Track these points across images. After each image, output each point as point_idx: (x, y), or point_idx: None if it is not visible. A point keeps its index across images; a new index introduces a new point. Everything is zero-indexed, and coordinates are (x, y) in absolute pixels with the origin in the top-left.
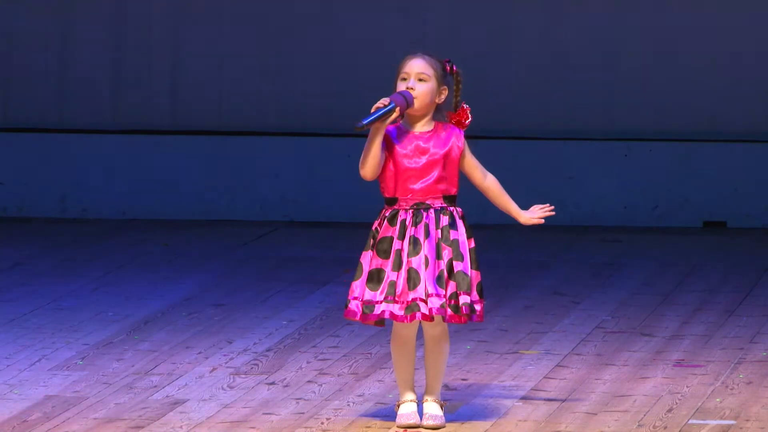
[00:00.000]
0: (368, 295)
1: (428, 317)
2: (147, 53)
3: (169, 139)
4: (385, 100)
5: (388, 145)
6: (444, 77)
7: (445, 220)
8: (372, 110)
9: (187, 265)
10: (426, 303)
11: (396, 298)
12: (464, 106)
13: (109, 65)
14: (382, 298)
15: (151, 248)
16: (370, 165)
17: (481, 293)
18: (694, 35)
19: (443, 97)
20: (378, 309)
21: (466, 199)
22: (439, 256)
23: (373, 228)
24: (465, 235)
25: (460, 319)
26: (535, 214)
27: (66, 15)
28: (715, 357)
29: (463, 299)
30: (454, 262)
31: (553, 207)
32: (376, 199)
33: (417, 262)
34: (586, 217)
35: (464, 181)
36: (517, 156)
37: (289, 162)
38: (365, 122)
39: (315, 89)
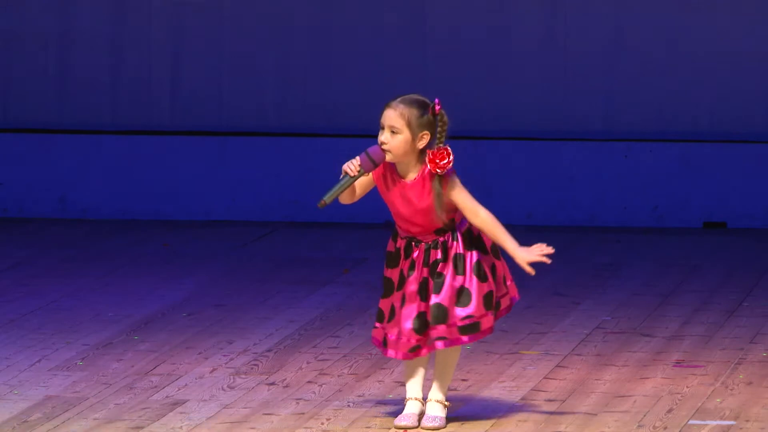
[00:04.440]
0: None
1: (395, 356)
2: (147, 53)
3: (169, 139)
4: (354, 162)
5: (380, 184)
6: (421, 123)
7: (437, 254)
8: (342, 173)
9: (187, 265)
10: (397, 341)
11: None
12: (441, 147)
13: (109, 65)
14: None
15: (151, 248)
16: (342, 200)
17: (488, 305)
18: (694, 35)
19: (424, 142)
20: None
21: None
22: (423, 298)
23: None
24: (465, 248)
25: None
26: (533, 253)
27: (66, 15)
28: (715, 357)
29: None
30: (458, 277)
31: (553, 251)
32: (375, 200)
33: (396, 298)
34: (586, 217)
35: (466, 183)
36: (518, 156)
37: (289, 162)
38: (326, 197)
39: (315, 89)
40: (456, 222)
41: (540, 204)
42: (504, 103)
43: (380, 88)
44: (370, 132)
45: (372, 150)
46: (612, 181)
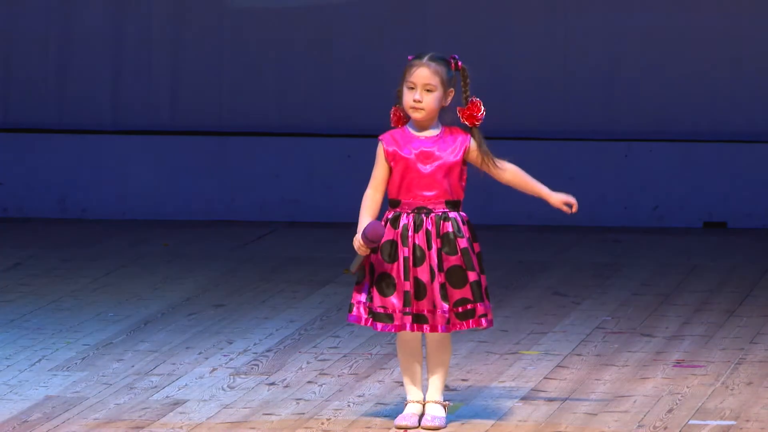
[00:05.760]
0: (379, 301)
1: (435, 330)
2: (147, 53)
3: (169, 139)
4: (359, 241)
5: (391, 158)
6: (449, 79)
7: (448, 226)
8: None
9: (187, 265)
10: (433, 315)
11: (411, 309)
12: (474, 99)
13: (109, 65)
14: (400, 306)
15: (151, 248)
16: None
17: (488, 297)
18: (693, 36)
19: (449, 99)
20: (397, 320)
21: (465, 199)
22: (441, 268)
23: None
24: (470, 240)
25: (466, 325)
26: (568, 196)
27: (66, 15)
28: (716, 357)
29: (480, 310)
30: (468, 272)
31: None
32: None
33: (423, 272)
34: (586, 217)
35: (467, 182)
36: (517, 156)
37: (289, 162)
38: (351, 267)
39: (315, 89)
40: (460, 208)
41: (540, 204)
42: (504, 104)
43: (380, 88)
44: (371, 132)
45: (369, 233)
46: (612, 181)
